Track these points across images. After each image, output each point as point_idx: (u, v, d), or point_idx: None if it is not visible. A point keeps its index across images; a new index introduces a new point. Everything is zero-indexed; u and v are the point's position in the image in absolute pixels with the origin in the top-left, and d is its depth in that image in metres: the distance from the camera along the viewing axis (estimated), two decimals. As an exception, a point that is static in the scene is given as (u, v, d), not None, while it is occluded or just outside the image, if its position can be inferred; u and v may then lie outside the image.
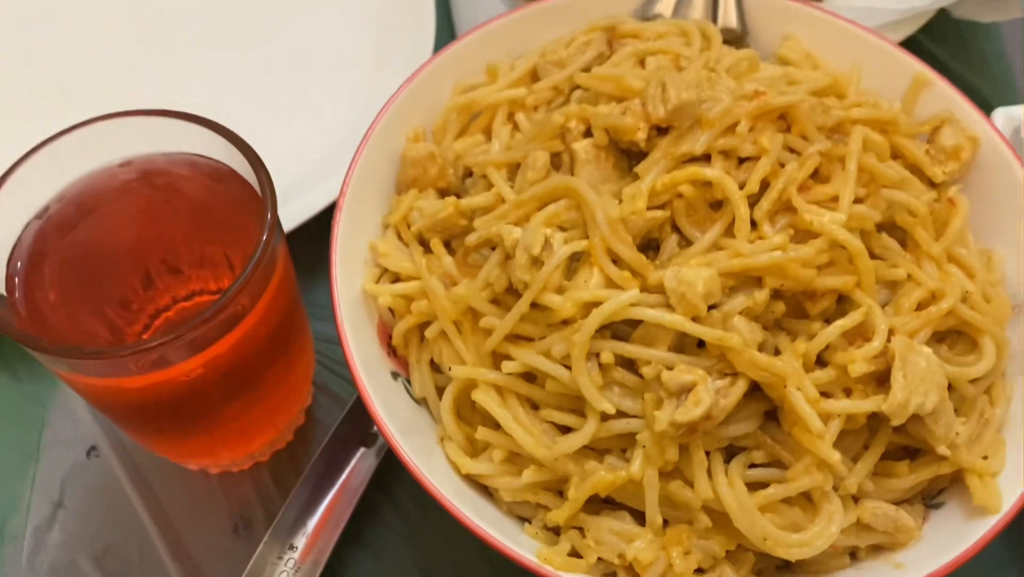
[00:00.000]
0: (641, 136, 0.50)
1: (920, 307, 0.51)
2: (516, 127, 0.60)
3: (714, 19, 0.67)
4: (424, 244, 0.57)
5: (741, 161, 0.51)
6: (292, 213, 0.69)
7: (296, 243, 0.68)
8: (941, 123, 0.59)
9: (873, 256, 0.53)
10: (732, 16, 0.67)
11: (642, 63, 0.58)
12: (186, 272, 0.62)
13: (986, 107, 0.84)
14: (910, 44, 0.82)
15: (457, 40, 0.64)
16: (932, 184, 0.58)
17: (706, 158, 0.51)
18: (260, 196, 0.53)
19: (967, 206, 0.56)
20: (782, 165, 0.51)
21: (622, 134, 0.51)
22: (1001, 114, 0.69)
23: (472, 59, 0.65)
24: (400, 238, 0.58)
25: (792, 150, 0.52)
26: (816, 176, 0.52)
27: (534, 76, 0.62)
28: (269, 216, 0.52)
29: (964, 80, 0.86)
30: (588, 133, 0.54)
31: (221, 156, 0.55)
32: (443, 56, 0.63)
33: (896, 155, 0.57)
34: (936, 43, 0.87)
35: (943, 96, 0.61)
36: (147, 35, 0.86)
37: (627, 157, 0.54)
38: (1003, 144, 0.59)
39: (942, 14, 0.82)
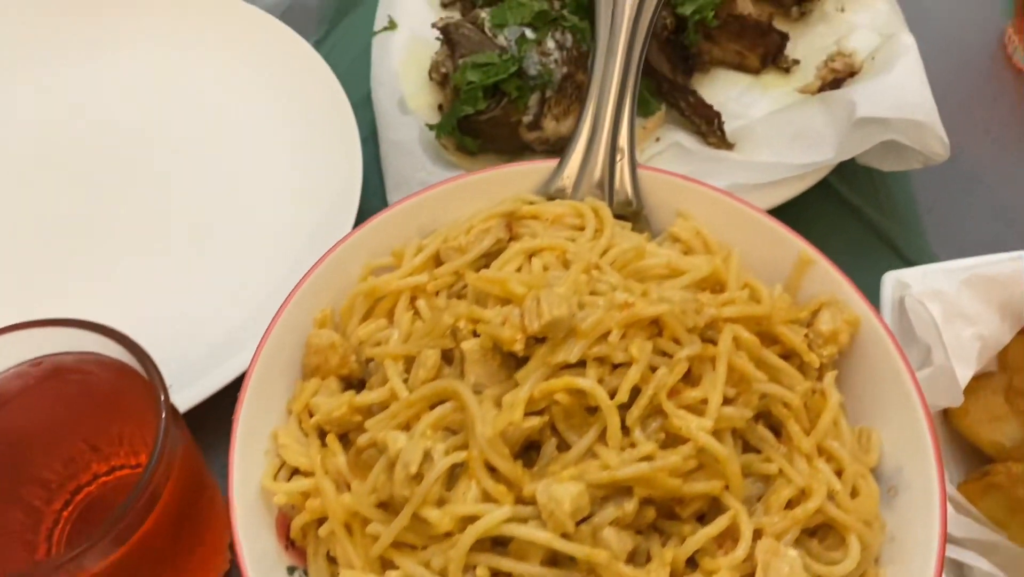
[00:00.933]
0: (518, 348, 0.53)
1: (791, 504, 0.54)
2: (417, 312, 0.63)
3: (611, 194, 0.70)
4: (325, 434, 0.59)
5: (616, 366, 0.53)
6: (206, 384, 0.71)
7: (210, 405, 0.70)
8: (820, 306, 0.62)
9: (749, 448, 0.56)
10: (628, 191, 0.70)
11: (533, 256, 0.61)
12: (105, 450, 0.64)
13: (894, 251, 0.89)
14: (821, 185, 0.85)
15: (365, 223, 0.67)
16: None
17: (582, 363, 0.53)
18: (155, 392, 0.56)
19: (837, 399, 0.59)
20: (654, 369, 0.53)
21: (501, 344, 0.53)
22: (891, 279, 0.72)
23: (382, 237, 0.68)
24: (301, 426, 0.60)
25: (665, 353, 0.54)
26: (688, 377, 0.54)
27: (438, 259, 0.65)
28: (163, 417, 0.54)
29: (873, 223, 0.89)
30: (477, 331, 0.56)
31: (121, 356, 0.57)
32: (352, 239, 0.66)
33: (775, 341, 0.60)
34: (846, 185, 0.91)
35: (826, 276, 0.64)
36: (50, 235, 0.85)
37: (514, 355, 0.56)
38: (881, 328, 0.62)
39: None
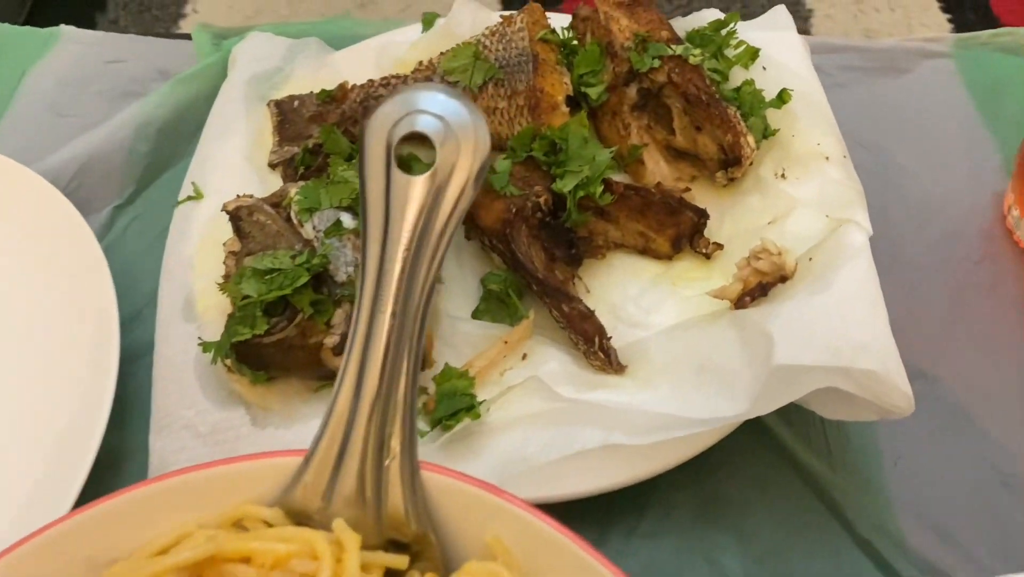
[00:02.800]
0: None
1: None
2: None
3: (379, 509, 0.46)
4: None
5: None
6: None
7: None
8: None
9: None
10: (406, 507, 0.46)
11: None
12: None
13: (841, 523, 0.63)
14: (749, 420, 0.61)
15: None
16: None
17: None
18: None
19: None
20: None
21: None
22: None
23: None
24: None
25: None
26: None
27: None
28: None
29: (815, 477, 0.64)
30: None
31: None
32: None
33: None
34: (781, 421, 0.67)
35: None
36: None
37: None
38: None
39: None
